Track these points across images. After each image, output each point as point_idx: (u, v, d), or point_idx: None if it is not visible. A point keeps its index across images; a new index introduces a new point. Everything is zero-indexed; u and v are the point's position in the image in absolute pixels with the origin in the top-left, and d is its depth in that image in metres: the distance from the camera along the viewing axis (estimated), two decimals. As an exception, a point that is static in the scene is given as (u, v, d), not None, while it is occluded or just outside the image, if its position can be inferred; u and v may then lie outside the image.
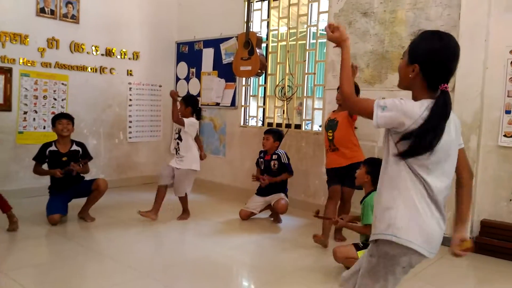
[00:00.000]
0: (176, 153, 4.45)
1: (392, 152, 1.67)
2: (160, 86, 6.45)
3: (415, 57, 1.69)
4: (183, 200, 4.48)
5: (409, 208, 1.63)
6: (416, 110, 1.60)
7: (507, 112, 3.74)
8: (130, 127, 6.09)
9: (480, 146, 3.84)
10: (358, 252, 3.08)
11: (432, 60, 1.65)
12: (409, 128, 1.59)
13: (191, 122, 4.38)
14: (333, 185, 3.92)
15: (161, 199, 4.37)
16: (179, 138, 4.41)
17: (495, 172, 3.81)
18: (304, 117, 5.25)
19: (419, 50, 1.69)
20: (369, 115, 1.66)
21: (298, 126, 5.29)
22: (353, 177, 3.62)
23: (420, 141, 1.58)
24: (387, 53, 4.41)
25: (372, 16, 4.50)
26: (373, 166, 3.07)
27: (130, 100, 6.07)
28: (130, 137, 6.10)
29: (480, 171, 3.85)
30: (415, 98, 1.70)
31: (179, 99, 4.43)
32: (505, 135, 3.75)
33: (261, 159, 4.65)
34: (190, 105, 4.46)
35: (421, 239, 1.63)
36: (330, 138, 3.93)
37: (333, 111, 4.11)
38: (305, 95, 5.25)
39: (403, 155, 1.63)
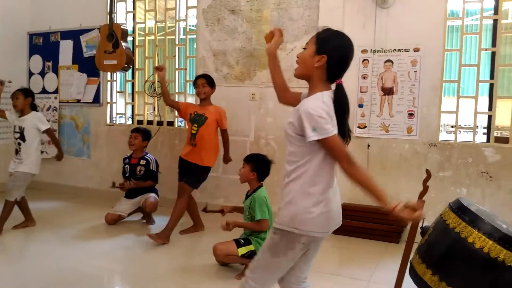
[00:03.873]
0: (16, 154, 3.93)
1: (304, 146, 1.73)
2: (10, 81, 5.63)
3: (324, 48, 1.76)
4: (23, 204, 4.00)
5: (311, 201, 1.71)
6: (328, 109, 1.69)
7: (360, 105, 4.14)
8: (-30, 128, 5.22)
9: (339, 137, 4.17)
10: (239, 249, 2.99)
11: (339, 54, 1.77)
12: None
13: (42, 118, 3.99)
14: (179, 181, 3.92)
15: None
16: (21, 138, 3.90)
17: (352, 161, 4.17)
18: (177, 114, 5.10)
19: (330, 42, 1.77)
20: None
21: (171, 123, 5.12)
22: (193, 175, 3.73)
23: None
24: (255, 51, 4.52)
25: (240, 14, 4.58)
26: (257, 162, 3.09)
27: (-30, 97, 5.19)
28: (-30, 140, 5.22)
29: (340, 161, 4.18)
30: (313, 87, 1.79)
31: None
32: (359, 127, 4.14)
33: (127, 165, 4.38)
34: (31, 95, 4.05)
35: (321, 228, 1.74)
36: (194, 132, 3.84)
37: (199, 105, 4.02)
38: (177, 91, 5.11)
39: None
